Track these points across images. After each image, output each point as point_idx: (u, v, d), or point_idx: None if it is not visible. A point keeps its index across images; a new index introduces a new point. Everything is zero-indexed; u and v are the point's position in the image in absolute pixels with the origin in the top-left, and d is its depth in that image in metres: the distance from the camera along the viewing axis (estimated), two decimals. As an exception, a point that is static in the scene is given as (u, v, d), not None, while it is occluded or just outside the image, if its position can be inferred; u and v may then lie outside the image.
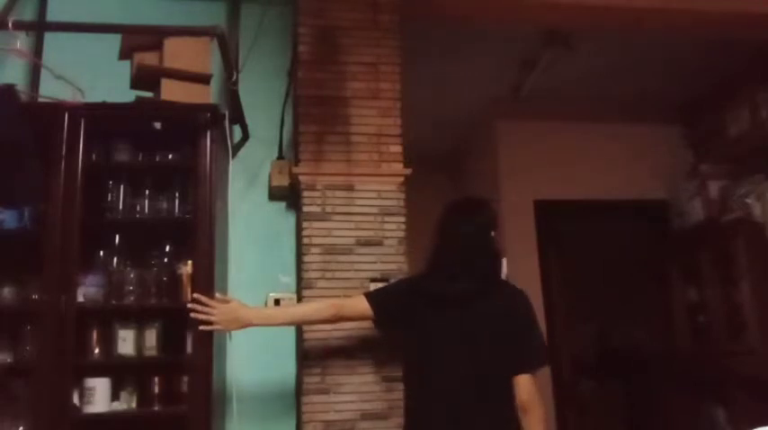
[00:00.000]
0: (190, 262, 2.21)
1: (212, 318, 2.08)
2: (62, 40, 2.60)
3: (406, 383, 2.14)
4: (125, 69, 2.36)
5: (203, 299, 2.09)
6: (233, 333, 2.20)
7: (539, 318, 2.08)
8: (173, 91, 2.26)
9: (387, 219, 2.50)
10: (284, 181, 2.65)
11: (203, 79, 2.31)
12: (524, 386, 1.87)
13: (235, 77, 2.56)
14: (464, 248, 2.06)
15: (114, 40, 2.34)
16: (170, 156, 2.35)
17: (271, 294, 2.60)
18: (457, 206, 2.18)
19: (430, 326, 2.04)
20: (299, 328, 2.45)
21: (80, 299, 2.15)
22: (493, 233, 2.08)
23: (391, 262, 2.46)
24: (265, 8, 2.83)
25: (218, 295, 2.15)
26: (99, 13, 2.52)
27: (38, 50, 2.68)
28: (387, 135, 2.59)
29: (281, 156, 2.75)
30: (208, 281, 2.15)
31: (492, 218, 2.13)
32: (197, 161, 2.22)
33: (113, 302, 2.21)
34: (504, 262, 2.25)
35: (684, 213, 4.14)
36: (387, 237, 2.48)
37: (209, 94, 2.35)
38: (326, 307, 2.18)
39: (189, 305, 2.08)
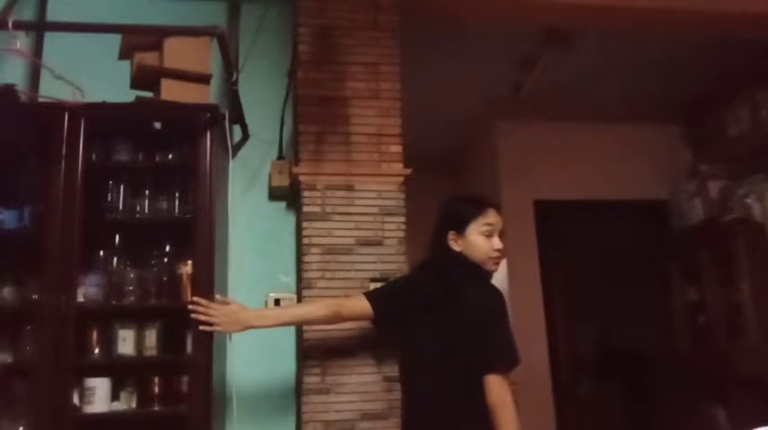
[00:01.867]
0: (190, 262, 2.21)
1: (213, 320, 2.07)
2: (62, 40, 2.60)
3: (401, 383, 2.17)
4: (125, 69, 2.36)
5: (203, 301, 2.09)
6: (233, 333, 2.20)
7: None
8: (173, 91, 2.26)
9: (387, 219, 2.50)
10: (284, 181, 2.64)
11: (203, 79, 2.31)
12: (491, 388, 1.86)
13: (235, 77, 2.56)
14: (428, 250, 2.11)
15: (114, 40, 2.34)
16: (170, 156, 2.35)
17: (271, 294, 2.60)
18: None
19: (416, 325, 2.05)
20: (300, 328, 2.45)
21: (80, 299, 2.15)
22: (450, 234, 2.06)
23: (391, 262, 2.46)
24: (265, 8, 2.83)
25: (218, 297, 2.15)
26: (99, 13, 2.53)
27: (38, 50, 2.68)
28: (387, 135, 2.59)
29: (281, 156, 2.75)
30: (208, 281, 2.15)
31: (444, 217, 2.11)
32: (197, 161, 2.22)
33: (113, 302, 2.21)
34: (504, 262, 2.22)
35: (684, 213, 4.13)
36: (387, 237, 2.48)
37: (208, 94, 2.35)
38: (326, 306, 2.18)
39: (189, 307, 2.08)
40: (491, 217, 2.07)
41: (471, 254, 2.04)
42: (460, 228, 2.05)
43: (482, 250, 2.04)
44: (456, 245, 2.06)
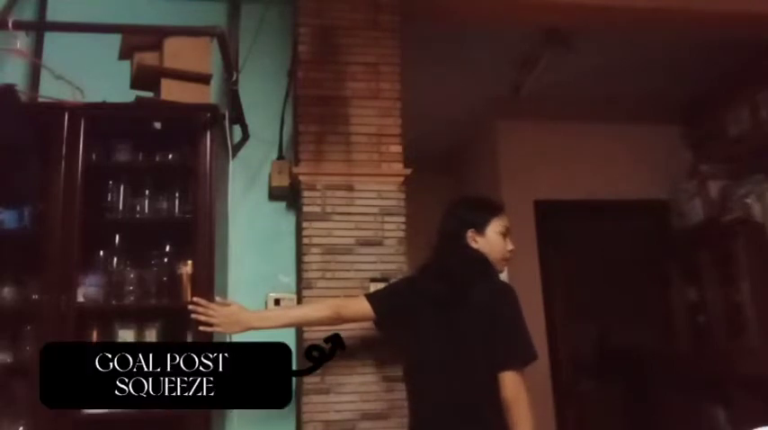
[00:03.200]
0: (190, 262, 2.21)
1: (213, 321, 2.07)
2: (62, 40, 2.60)
3: (405, 384, 2.16)
4: (125, 69, 2.37)
5: (203, 302, 2.08)
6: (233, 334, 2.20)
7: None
8: (173, 91, 2.26)
9: (387, 219, 2.50)
10: (284, 181, 2.64)
11: (203, 79, 2.32)
12: (507, 384, 1.86)
13: (235, 77, 2.56)
14: (437, 249, 2.12)
15: (114, 40, 2.34)
16: (170, 156, 2.35)
17: (271, 294, 2.60)
18: (447, 205, 2.20)
19: (422, 326, 2.05)
20: (299, 328, 2.45)
21: (80, 299, 2.15)
22: (470, 232, 2.08)
23: (391, 262, 2.46)
24: (265, 8, 2.82)
25: (218, 298, 2.14)
26: (99, 13, 2.53)
27: (38, 50, 2.68)
28: (387, 135, 2.59)
29: (281, 156, 2.75)
30: (208, 281, 2.15)
31: (462, 216, 2.12)
32: (197, 161, 2.22)
33: (113, 302, 2.21)
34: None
35: (684, 213, 4.13)
36: (387, 237, 2.48)
37: (209, 94, 2.35)
38: (327, 307, 2.18)
39: (189, 307, 2.08)
40: (505, 219, 2.14)
41: (488, 252, 2.08)
42: (481, 227, 2.09)
43: (499, 249, 2.10)
44: (475, 243, 2.08)
